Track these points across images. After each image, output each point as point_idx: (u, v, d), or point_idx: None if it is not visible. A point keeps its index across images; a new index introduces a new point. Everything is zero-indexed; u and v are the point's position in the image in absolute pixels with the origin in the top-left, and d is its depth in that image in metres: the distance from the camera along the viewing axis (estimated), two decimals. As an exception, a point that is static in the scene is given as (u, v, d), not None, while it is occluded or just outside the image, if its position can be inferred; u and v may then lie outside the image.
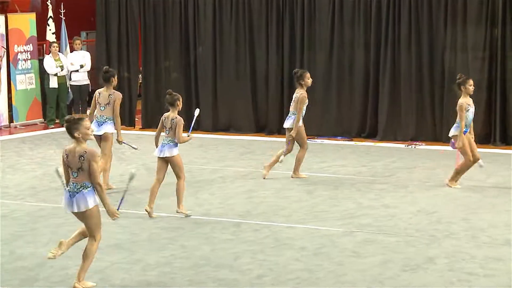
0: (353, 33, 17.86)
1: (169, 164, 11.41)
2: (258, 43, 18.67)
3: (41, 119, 20.14)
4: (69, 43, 20.42)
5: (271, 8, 18.46)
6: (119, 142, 13.39)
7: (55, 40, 20.11)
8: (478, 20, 16.81)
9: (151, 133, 18.28)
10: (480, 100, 16.66)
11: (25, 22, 19.85)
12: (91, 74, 20.26)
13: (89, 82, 20.21)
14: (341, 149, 16.83)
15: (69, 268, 9.16)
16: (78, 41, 20.21)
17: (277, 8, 18.43)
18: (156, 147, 11.54)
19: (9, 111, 19.58)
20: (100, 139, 13.17)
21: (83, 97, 20.22)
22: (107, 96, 13.16)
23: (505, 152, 16.19)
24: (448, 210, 11.71)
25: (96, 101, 13.24)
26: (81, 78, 20.05)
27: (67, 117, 8.47)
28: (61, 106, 19.90)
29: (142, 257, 9.57)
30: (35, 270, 9.15)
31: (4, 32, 19.40)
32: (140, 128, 19.38)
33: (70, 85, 20.04)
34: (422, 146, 16.68)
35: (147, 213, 11.34)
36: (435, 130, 16.89)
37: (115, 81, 13.39)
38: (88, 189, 8.26)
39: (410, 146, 16.73)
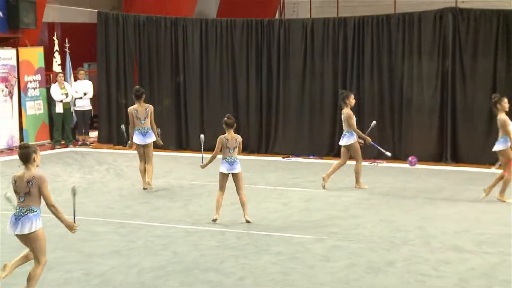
0: (323, 64, 17.95)
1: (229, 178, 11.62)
2: (239, 73, 18.73)
3: (49, 140, 20.10)
4: (73, 73, 20.42)
5: (251, 42, 18.55)
6: (160, 144, 14.38)
7: (60, 70, 20.08)
8: (431, 53, 16.94)
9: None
10: (433, 123, 16.90)
11: (34, 55, 19.86)
12: (93, 100, 20.24)
13: (91, 108, 20.23)
14: (313, 166, 16.87)
15: (74, 271, 9.22)
16: (82, 72, 20.27)
17: (256, 43, 18.52)
18: (204, 165, 12.06)
19: (20, 134, 19.52)
20: (143, 147, 13.99)
21: (86, 121, 20.25)
22: (144, 110, 13.93)
23: (455, 169, 16.33)
24: (405, 220, 11.79)
25: (135, 117, 13.92)
26: (85, 104, 20.08)
27: (24, 143, 8.09)
28: (66, 129, 19.89)
29: (138, 261, 9.60)
30: (43, 274, 9.18)
31: (15, 64, 19.37)
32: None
33: (74, 110, 20.04)
34: (383, 164, 16.78)
35: (214, 221, 11.48)
36: (394, 149, 16.95)
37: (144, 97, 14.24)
38: (34, 213, 7.79)
39: (373, 164, 16.84)
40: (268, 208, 12.45)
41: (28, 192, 7.76)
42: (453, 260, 9.63)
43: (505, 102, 12.80)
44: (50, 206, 7.79)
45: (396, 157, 16.82)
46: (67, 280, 8.89)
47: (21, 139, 19.43)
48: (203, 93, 19.09)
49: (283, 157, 17.73)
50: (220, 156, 11.68)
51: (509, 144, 12.59)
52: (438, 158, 16.81)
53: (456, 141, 17.00)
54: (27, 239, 7.83)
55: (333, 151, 17.87)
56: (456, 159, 16.90)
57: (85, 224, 11.49)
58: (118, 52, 19.72)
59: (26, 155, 7.81)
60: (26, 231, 7.74)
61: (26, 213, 7.76)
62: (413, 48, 17.14)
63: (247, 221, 11.51)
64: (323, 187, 13.94)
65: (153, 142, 14.26)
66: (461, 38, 16.78)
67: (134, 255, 9.91)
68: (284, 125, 18.44)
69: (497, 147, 12.77)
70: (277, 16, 27.00)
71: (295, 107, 18.24)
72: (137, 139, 14.12)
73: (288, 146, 18.21)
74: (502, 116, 12.69)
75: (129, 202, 13.19)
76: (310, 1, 26.97)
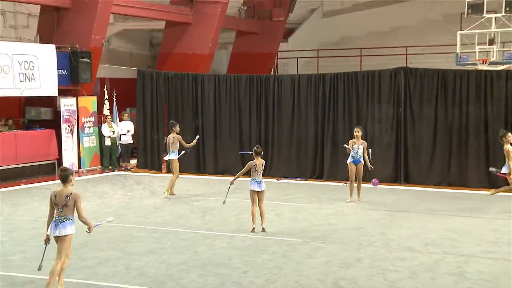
0: (307, 109, 17.90)
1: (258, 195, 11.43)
2: (244, 115, 18.68)
3: (99, 166, 20.07)
4: (118, 115, 20.48)
5: (253, 92, 18.55)
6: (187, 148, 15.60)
7: (109, 114, 20.10)
8: (388, 101, 16.93)
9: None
10: (390, 154, 16.87)
11: (89, 102, 19.89)
12: (133, 136, 20.27)
13: (132, 142, 20.25)
14: (299, 186, 16.81)
15: (118, 266, 9.18)
16: (126, 115, 20.33)
17: (256, 93, 18.50)
18: (232, 182, 11.73)
19: (78, 161, 19.51)
20: (167, 162, 15.88)
21: (128, 152, 20.26)
22: (176, 138, 15.26)
23: (406, 188, 16.26)
24: (370, 227, 11.77)
25: (169, 143, 15.26)
26: (127, 139, 20.08)
27: (63, 167, 8.16)
28: (112, 157, 19.85)
29: (166, 259, 9.60)
30: (95, 268, 9.17)
31: (75, 109, 19.41)
32: (165, 172, 19.34)
33: (120, 144, 20.08)
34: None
35: (253, 231, 11.25)
36: (366, 174, 16.81)
37: (177, 129, 15.34)
38: (69, 221, 7.81)
39: (344, 184, 16.73)
40: (266, 219, 12.37)
41: (66, 205, 7.78)
42: (407, 258, 9.63)
43: (509, 136, 12.70)
44: (81, 218, 7.87)
45: (364, 180, 16.67)
46: (114, 273, 8.90)
47: (79, 165, 19.46)
48: (216, 131, 19.06)
49: (276, 179, 17.68)
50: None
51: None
52: (394, 180, 16.75)
53: (408, 167, 16.92)
54: (60, 239, 7.82)
55: (315, 174, 17.82)
56: (407, 181, 16.82)
57: (126, 230, 11.52)
58: (152, 100, 19.71)
59: (65, 176, 7.89)
60: (62, 234, 7.77)
61: (63, 220, 7.78)
62: (374, 98, 17.12)
63: (263, 229, 11.31)
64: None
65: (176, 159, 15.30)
66: (410, 90, 16.78)
67: (164, 254, 9.89)
68: (278, 154, 18.41)
69: (504, 170, 12.79)
70: (272, 73, 27.12)
71: (285, 141, 18.22)
72: (167, 157, 15.53)
73: (281, 170, 18.18)
74: (507, 147, 12.65)
75: (159, 213, 13.16)
76: (297, 61, 27.12)
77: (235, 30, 26.64)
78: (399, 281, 8.51)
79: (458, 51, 20.26)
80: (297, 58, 27.15)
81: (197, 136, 16.22)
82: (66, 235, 7.79)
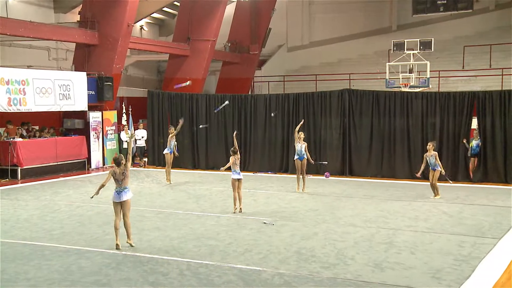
0: (276, 121, 17.82)
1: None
2: (228, 124, 18.52)
3: (119, 163, 19.83)
4: (134, 125, 20.31)
5: (236, 107, 18.42)
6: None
7: (126, 124, 19.90)
8: (337, 114, 16.94)
9: (175, 170, 18.23)
10: (338, 153, 16.88)
11: (111, 115, 19.66)
12: (146, 141, 20.03)
13: (145, 145, 20.04)
14: (270, 178, 16.75)
15: (133, 239, 9.04)
16: (141, 124, 20.17)
17: (238, 108, 18.30)
18: (224, 169, 11.53)
19: (102, 160, 19.28)
20: (169, 154, 15.34)
21: (142, 152, 20.05)
22: (170, 137, 15.37)
23: (351, 179, 16.24)
24: (323, 208, 11.74)
25: (170, 139, 15.36)
26: (142, 143, 19.89)
27: (118, 155, 8.72)
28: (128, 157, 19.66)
29: (169, 234, 9.49)
30: (115, 240, 8.98)
31: (101, 120, 19.20)
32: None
33: (136, 146, 19.87)
34: (310, 176, 16.58)
35: (235, 212, 11.06)
36: (318, 169, 16.88)
37: (171, 131, 15.43)
38: (127, 189, 8.45)
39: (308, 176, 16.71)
40: (244, 203, 12.31)
41: (123, 178, 8.41)
42: (351, 232, 9.63)
43: (429, 147, 12.44)
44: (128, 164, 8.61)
45: (318, 173, 16.74)
46: (128, 245, 8.71)
47: (103, 163, 19.25)
48: (208, 136, 18.92)
49: (253, 173, 17.63)
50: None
51: None
52: (341, 173, 16.76)
53: (351, 163, 16.91)
54: (123, 204, 8.42)
55: (282, 168, 17.74)
56: (351, 173, 16.81)
57: (139, 211, 11.37)
58: (159, 113, 19.53)
59: (119, 160, 8.56)
60: (124, 199, 8.40)
61: (124, 189, 8.41)
62: (326, 111, 17.10)
63: (240, 210, 11.21)
64: None
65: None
66: (353, 106, 16.80)
67: (167, 230, 9.79)
68: (254, 154, 18.35)
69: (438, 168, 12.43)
70: (249, 92, 27.08)
71: (260, 144, 18.13)
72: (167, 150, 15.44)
73: (256, 166, 18.11)
74: (434, 153, 12.34)
75: (164, 199, 13.03)
76: (268, 84, 27.12)
77: (221, 60, 26.61)
78: (345, 249, 8.51)
79: (387, 77, 20.48)
80: (268, 81, 27.13)
81: (181, 120, 15.89)
82: (127, 200, 8.43)
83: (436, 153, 12.65)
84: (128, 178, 8.49)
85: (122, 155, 8.72)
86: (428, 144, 12.84)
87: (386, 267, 7.64)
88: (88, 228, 9.90)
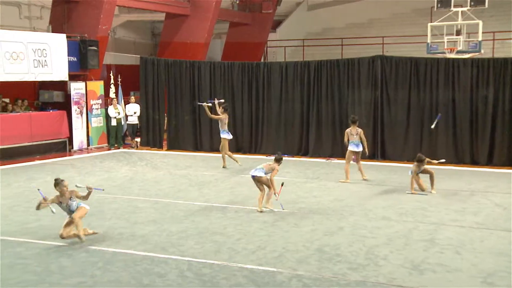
0: (293, 93, 17.77)
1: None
2: (237, 98, 18.51)
3: (106, 144, 19.95)
4: (124, 98, 20.36)
5: (245, 78, 18.38)
6: None
7: (114, 97, 19.95)
8: (367, 86, 16.85)
9: (174, 153, 18.34)
10: (368, 133, 16.74)
11: (97, 86, 19.71)
12: (139, 118, 20.08)
13: (138, 122, 20.10)
14: (286, 162, 16.67)
15: (124, 234, 9.07)
16: (133, 97, 20.22)
17: (248, 78, 18.32)
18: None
19: (87, 140, 19.41)
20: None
21: (134, 131, 20.15)
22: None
23: (383, 164, 16.22)
24: (351, 199, 11.74)
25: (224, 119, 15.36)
26: (134, 120, 19.97)
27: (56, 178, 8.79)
28: (118, 136, 19.76)
29: (167, 227, 9.53)
30: (102, 236, 9.07)
31: (84, 92, 19.26)
32: (166, 149, 19.27)
33: (127, 123, 19.99)
34: (335, 161, 16.65)
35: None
36: (343, 151, 16.81)
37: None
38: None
39: (328, 161, 16.75)
40: (257, 191, 12.30)
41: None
42: (383, 226, 9.62)
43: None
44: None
45: (343, 156, 16.62)
46: (119, 240, 8.83)
47: (88, 143, 19.41)
48: (212, 112, 18.77)
49: (266, 156, 17.62)
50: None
51: None
52: (372, 156, 16.61)
53: (384, 145, 16.89)
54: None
55: (301, 151, 17.74)
56: (384, 157, 16.79)
57: (131, 201, 11.43)
58: (154, 85, 19.48)
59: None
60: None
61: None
62: (354, 83, 17.02)
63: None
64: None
65: None
66: (386, 76, 16.71)
67: (165, 223, 9.83)
68: (267, 134, 18.35)
69: None
70: (262, 60, 26.99)
71: (274, 122, 18.12)
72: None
73: (270, 148, 18.10)
74: None
75: (160, 187, 13.08)
76: (285, 49, 26.98)
77: (228, 21, 26.48)
78: (376, 246, 8.49)
79: (429, 41, 20.25)
80: (285, 47, 27.01)
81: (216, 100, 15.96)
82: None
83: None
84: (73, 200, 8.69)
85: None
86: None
87: (426, 269, 7.62)
88: (70, 220, 9.95)
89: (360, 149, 13.36)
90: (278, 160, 10.83)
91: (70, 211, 8.60)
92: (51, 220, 9.95)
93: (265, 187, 10.68)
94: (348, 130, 13.58)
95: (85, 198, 8.65)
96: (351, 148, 13.36)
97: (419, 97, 16.42)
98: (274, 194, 10.70)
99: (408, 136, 16.64)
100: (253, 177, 10.69)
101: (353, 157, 13.50)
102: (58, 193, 8.64)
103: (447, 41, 19.93)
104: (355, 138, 13.35)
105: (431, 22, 21.32)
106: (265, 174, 10.60)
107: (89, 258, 8.02)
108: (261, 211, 10.51)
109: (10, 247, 8.50)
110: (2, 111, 17.80)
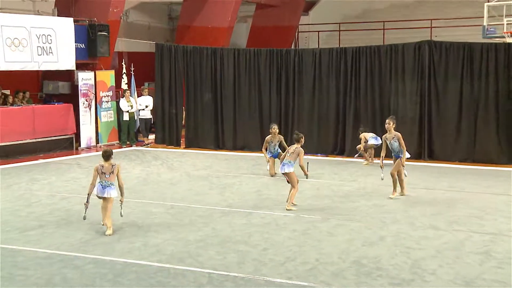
0: (328, 83, 17.75)
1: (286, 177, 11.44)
2: (264, 89, 18.57)
3: (117, 141, 20.11)
4: (137, 90, 20.48)
5: (273, 67, 18.43)
6: None
7: (127, 88, 20.09)
8: (412, 75, 16.73)
9: (192, 151, 18.41)
10: (413, 130, 16.68)
11: (107, 76, 19.88)
12: (152, 112, 20.23)
13: (151, 117, 20.25)
14: (320, 162, 16.65)
15: (135, 242, 9.11)
16: (146, 89, 20.38)
17: (277, 67, 18.39)
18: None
19: (96, 136, 19.58)
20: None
21: (147, 127, 20.31)
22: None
23: (430, 165, 16.10)
24: (393, 204, 11.65)
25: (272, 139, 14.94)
26: (146, 114, 20.16)
27: (107, 150, 9.79)
28: (130, 132, 19.92)
29: (185, 235, 9.52)
30: (112, 244, 9.12)
31: (93, 83, 19.44)
32: (184, 148, 19.35)
33: (139, 118, 20.13)
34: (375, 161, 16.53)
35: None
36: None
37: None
38: (113, 186, 9.48)
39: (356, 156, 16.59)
40: (285, 195, 12.26)
41: (111, 172, 9.48)
42: (431, 236, 9.50)
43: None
44: (121, 184, 9.72)
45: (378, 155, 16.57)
46: (130, 250, 8.83)
47: (97, 140, 19.55)
48: (236, 105, 18.97)
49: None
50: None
51: None
52: (418, 156, 16.53)
53: (432, 143, 16.77)
54: (106, 200, 9.48)
55: (336, 150, 17.69)
56: (432, 157, 16.67)
57: (144, 205, 11.48)
58: (171, 74, 19.61)
59: (108, 154, 9.72)
60: (107, 196, 9.48)
61: (109, 185, 9.46)
62: (398, 72, 16.94)
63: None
64: None
65: None
66: (435, 64, 16.58)
67: (182, 230, 9.83)
68: (298, 129, 18.22)
69: None
70: (293, 46, 26.95)
71: (306, 116, 18.11)
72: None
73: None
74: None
75: (177, 189, 13.12)
76: (318, 34, 26.90)
77: (255, 2, 26.48)
78: (423, 259, 8.38)
79: (485, 23, 19.98)
80: (318, 31, 26.96)
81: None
82: (111, 198, 9.49)
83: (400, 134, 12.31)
84: (115, 177, 9.48)
85: (112, 150, 9.75)
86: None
87: (481, 286, 7.51)
88: (76, 227, 10.03)
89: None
90: (297, 140, 11.44)
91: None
92: (56, 226, 10.04)
93: (290, 185, 11.27)
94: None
95: (121, 189, 9.62)
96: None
97: (472, 89, 16.26)
98: (305, 176, 11.49)
99: (459, 133, 16.47)
100: (284, 174, 11.35)
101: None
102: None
103: (507, 24, 19.66)
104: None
105: (488, 1, 21.07)
106: (293, 165, 11.25)
107: (97, 269, 8.05)
108: (289, 209, 11.10)
109: (10, 256, 8.57)
110: (2, 104, 18.00)
